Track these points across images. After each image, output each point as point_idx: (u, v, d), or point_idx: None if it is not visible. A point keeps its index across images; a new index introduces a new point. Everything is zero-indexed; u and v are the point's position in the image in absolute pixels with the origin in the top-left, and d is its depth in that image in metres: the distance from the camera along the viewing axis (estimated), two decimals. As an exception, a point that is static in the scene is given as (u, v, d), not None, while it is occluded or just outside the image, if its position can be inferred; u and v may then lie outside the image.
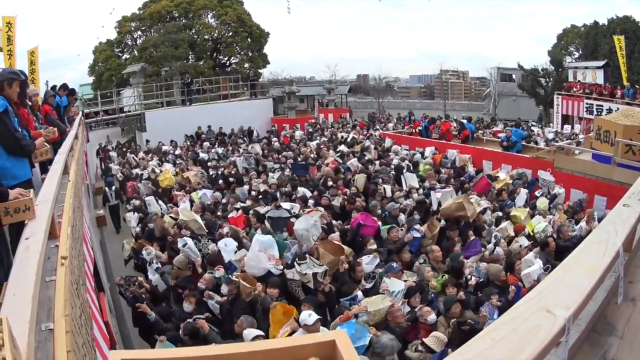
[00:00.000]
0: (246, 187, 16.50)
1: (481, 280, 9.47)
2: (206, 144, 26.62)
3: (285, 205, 13.06)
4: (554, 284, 2.12)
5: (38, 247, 3.19)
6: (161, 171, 18.48)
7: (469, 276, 9.47)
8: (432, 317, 7.98)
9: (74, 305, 3.63)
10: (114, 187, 19.68)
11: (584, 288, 2.09)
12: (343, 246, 9.90)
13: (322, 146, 22.83)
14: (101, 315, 6.29)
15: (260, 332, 7.44)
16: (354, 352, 1.27)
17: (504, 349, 1.57)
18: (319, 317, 7.40)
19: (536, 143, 23.74)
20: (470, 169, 17.88)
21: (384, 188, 14.71)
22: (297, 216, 11.87)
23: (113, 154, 25.64)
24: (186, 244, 10.55)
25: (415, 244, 10.95)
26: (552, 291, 2.03)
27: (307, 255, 9.53)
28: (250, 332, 7.36)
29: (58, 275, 3.53)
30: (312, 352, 1.25)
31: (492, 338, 1.63)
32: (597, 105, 32.06)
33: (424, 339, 7.27)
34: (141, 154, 24.98)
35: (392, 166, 18.05)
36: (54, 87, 14.24)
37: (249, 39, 46.34)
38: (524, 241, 11.01)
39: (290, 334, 7.62)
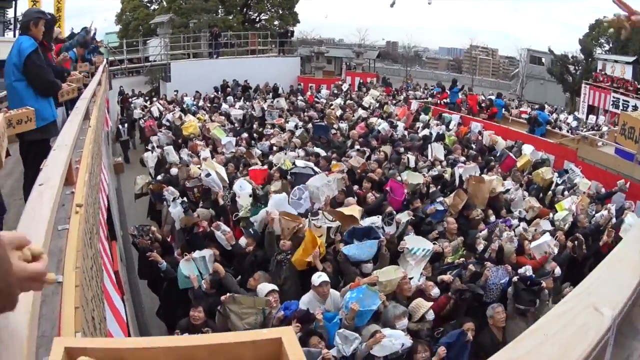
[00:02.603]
0: (267, 142, 16.68)
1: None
2: (230, 98, 26.58)
3: (300, 162, 13.11)
4: (599, 281, 2.02)
5: (52, 194, 3.03)
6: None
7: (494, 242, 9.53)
8: (435, 290, 8.00)
9: (85, 257, 3.53)
10: (126, 125, 21.70)
11: (628, 287, 1.99)
12: (352, 213, 9.87)
13: (347, 109, 22.70)
14: (112, 265, 6.25)
15: (274, 287, 7.50)
16: (301, 352, 1.17)
17: (556, 346, 1.47)
18: (327, 280, 7.45)
19: (560, 129, 23.51)
20: (501, 144, 17.71)
21: (408, 158, 14.56)
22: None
23: (137, 100, 25.88)
24: (209, 174, 11.11)
25: (438, 216, 10.93)
26: (598, 288, 1.93)
27: (319, 211, 9.60)
28: (264, 287, 7.44)
29: (71, 224, 3.42)
30: (255, 350, 1.17)
31: (544, 333, 1.54)
32: (623, 100, 31.55)
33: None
34: (162, 102, 25.37)
35: (420, 135, 18.03)
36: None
37: (280, -4, 45.68)
38: (546, 225, 10.88)
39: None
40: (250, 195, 10.92)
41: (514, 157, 15.81)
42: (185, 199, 10.67)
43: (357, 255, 8.50)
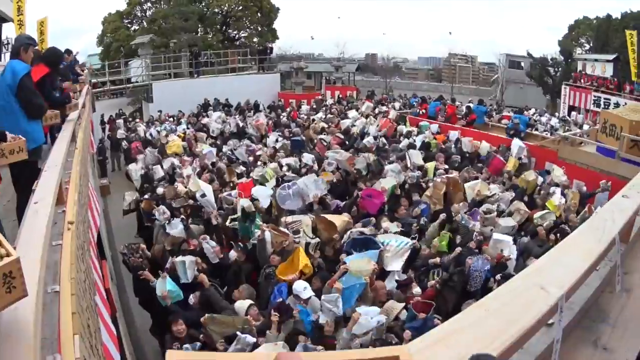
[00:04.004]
0: (244, 147, 17.32)
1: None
2: (211, 112, 26.50)
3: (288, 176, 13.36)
4: (549, 263, 2.18)
5: (47, 211, 3.25)
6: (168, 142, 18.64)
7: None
8: (417, 289, 8.25)
9: (79, 270, 3.70)
10: (103, 143, 22.11)
11: (577, 269, 2.15)
12: (335, 222, 10.03)
13: (330, 123, 22.79)
14: (103, 282, 6.37)
15: (251, 302, 7.70)
16: None
17: (498, 320, 1.63)
18: (312, 294, 7.61)
19: (536, 130, 23.77)
20: (485, 148, 17.79)
21: (389, 169, 14.60)
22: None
23: (120, 121, 26.12)
24: (204, 194, 11.14)
25: (425, 212, 11.35)
26: (547, 270, 2.09)
27: (300, 229, 9.79)
28: (242, 304, 7.64)
29: (64, 240, 3.60)
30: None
31: (486, 309, 1.69)
32: (604, 98, 31.85)
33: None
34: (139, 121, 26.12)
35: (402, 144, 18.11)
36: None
37: (258, 14, 45.88)
38: (507, 222, 11.04)
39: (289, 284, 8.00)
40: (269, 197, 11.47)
41: (501, 158, 15.92)
42: (183, 217, 10.75)
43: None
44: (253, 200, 11.10)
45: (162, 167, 15.05)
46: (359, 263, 8.15)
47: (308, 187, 11.57)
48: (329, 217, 10.41)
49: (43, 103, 6.20)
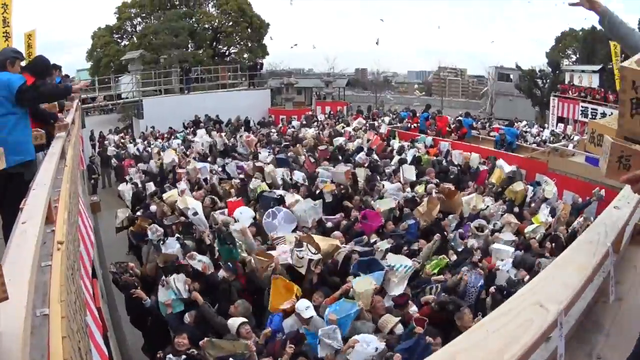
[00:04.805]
0: (234, 163, 17.40)
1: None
2: (200, 131, 26.41)
3: (278, 191, 13.35)
4: (546, 281, 2.18)
5: (35, 231, 3.18)
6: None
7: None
8: (413, 308, 8.18)
9: (69, 291, 3.64)
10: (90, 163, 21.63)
11: (574, 285, 2.15)
12: (322, 245, 9.98)
13: (321, 138, 22.75)
14: (94, 301, 6.30)
15: (244, 319, 7.60)
16: None
17: (498, 340, 1.61)
18: (314, 314, 7.61)
19: (526, 141, 23.94)
20: (475, 159, 18.10)
21: (383, 184, 14.74)
22: (279, 200, 12.29)
23: (111, 136, 26.22)
24: (196, 212, 11.05)
25: (413, 229, 11.24)
26: (544, 287, 2.09)
27: (303, 243, 9.63)
28: (234, 322, 7.58)
29: (54, 261, 3.52)
30: None
31: (486, 329, 1.68)
32: (592, 108, 32.07)
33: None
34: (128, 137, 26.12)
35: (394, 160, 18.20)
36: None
37: (249, 30, 46.16)
38: (507, 236, 11.12)
39: (290, 312, 7.93)
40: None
41: (485, 167, 16.07)
42: (178, 236, 10.66)
43: None
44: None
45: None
46: (364, 284, 8.14)
47: (307, 212, 11.56)
48: (318, 238, 10.33)
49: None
